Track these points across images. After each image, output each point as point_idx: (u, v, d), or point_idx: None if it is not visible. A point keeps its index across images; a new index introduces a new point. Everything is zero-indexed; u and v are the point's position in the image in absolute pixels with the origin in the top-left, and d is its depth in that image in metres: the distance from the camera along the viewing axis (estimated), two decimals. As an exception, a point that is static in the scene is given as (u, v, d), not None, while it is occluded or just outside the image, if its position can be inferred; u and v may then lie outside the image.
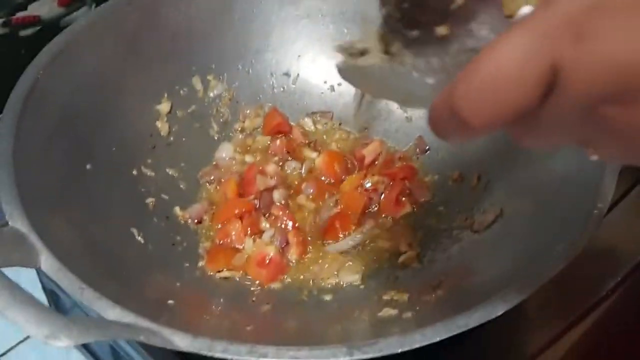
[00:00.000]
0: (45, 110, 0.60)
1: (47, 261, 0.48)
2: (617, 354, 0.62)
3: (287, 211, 0.67)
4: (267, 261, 0.63)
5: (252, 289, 0.62)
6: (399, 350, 0.43)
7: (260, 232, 0.66)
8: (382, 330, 0.53)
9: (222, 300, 0.59)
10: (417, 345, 0.43)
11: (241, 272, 0.64)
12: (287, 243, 0.65)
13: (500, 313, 0.45)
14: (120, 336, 0.44)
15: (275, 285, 0.63)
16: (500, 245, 0.59)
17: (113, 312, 0.45)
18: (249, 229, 0.66)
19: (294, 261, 0.65)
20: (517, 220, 0.60)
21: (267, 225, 0.67)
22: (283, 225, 0.67)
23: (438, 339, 0.44)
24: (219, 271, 0.63)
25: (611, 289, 0.64)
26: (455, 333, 0.44)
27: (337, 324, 0.55)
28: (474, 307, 0.45)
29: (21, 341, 0.93)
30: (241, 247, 0.65)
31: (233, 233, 0.66)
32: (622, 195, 0.71)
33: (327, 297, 0.61)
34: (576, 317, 0.61)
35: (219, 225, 0.67)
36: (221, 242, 0.66)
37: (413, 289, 0.58)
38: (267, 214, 0.68)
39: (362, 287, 0.61)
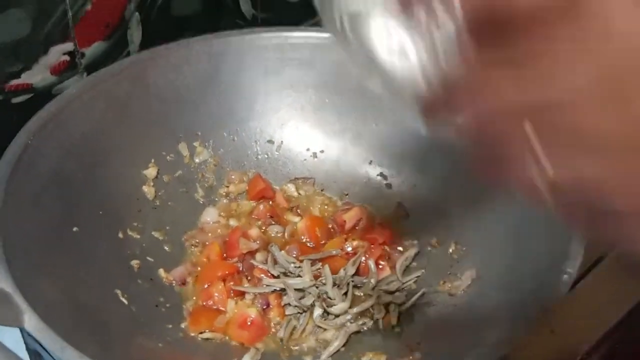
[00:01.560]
0: (34, 174, 0.62)
1: (30, 320, 0.49)
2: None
3: (269, 273, 0.69)
4: (249, 323, 0.64)
5: (233, 349, 0.63)
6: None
7: (242, 294, 0.67)
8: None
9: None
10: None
11: (223, 334, 0.64)
12: (268, 305, 0.66)
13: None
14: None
15: (257, 347, 0.63)
16: (476, 308, 0.60)
17: (95, 374, 0.46)
18: (231, 291, 0.67)
19: (274, 323, 0.65)
20: (492, 284, 0.62)
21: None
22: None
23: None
24: (201, 332, 0.64)
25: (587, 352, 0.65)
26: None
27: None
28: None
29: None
30: (224, 308, 0.66)
31: (216, 294, 0.67)
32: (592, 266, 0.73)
33: (307, 359, 0.62)
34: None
35: (203, 287, 0.68)
36: (204, 303, 0.67)
37: (391, 350, 0.59)
38: (250, 277, 0.69)
39: (342, 349, 0.62)
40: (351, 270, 0.68)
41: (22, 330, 0.75)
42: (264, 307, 0.66)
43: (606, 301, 0.71)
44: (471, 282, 0.63)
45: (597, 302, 0.70)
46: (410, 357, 0.56)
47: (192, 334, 0.64)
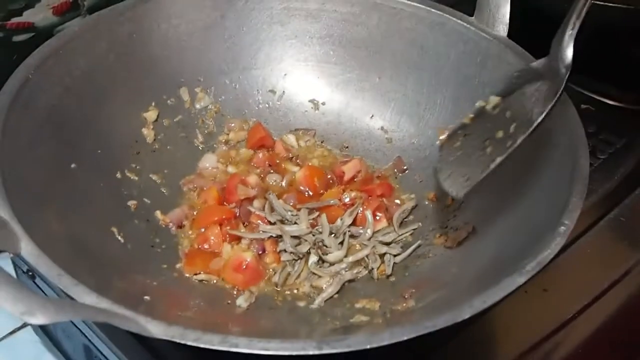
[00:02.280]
0: (33, 108, 0.62)
1: (26, 247, 0.49)
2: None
3: (266, 220, 0.69)
4: (244, 266, 0.64)
5: (228, 292, 0.63)
6: (367, 347, 0.44)
7: (238, 239, 0.67)
8: (353, 332, 0.54)
9: (197, 301, 0.59)
10: (385, 343, 0.45)
11: (218, 276, 0.64)
12: (264, 250, 0.66)
13: (466, 317, 0.46)
14: (95, 318, 0.44)
15: (252, 290, 0.63)
16: (471, 260, 0.61)
17: (89, 298, 0.46)
18: (227, 235, 0.67)
19: (271, 269, 0.66)
20: (487, 237, 0.62)
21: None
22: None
23: (405, 338, 0.45)
24: (196, 274, 0.64)
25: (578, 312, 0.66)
26: (422, 333, 0.45)
27: (310, 326, 0.56)
28: (442, 311, 0.47)
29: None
30: (219, 252, 0.66)
31: (212, 238, 0.67)
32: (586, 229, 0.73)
33: (301, 304, 0.62)
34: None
35: (200, 230, 0.68)
36: (200, 246, 0.67)
37: (385, 298, 0.60)
38: (246, 222, 0.69)
39: (335, 295, 0.63)
40: (348, 220, 0.68)
41: (16, 267, 0.76)
42: (260, 252, 0.66)
43: (600, 263, 0.71)
44: (467, 235, 0.63)
45: (590, 263, 0.71)
46: (404, 304, 0.56)
47: (187, 275, 0.64)
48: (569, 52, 0.60)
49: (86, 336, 0.65)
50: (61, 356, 0.75)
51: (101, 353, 0.64)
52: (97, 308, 0.45)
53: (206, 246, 0.67)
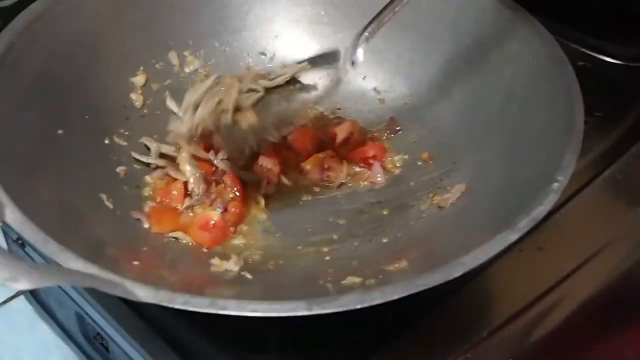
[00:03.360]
0: (19, 73, 0.61)
1: (12, 214, 0.48)
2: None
3: (238, 182, 0.67)
4: (211, 225, 0.63)
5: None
6: (358, 306, 0.44)
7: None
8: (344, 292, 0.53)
9: (186, 265, 0.59)
10: (376, 302, 0.44)
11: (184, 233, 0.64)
12: (226, 210, 0.65)
13: (458, 274, 0.46)
14: (81, 283, 0.44)
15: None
16: (464, 219, 0.60)
17: (76, 264, 0.46)
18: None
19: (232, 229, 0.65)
20: (481, 195, 0.61)
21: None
22: (230, 194, 0.67)
23: (397, 297, 0.44)
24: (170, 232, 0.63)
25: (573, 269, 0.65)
26: (414, 292, 0.45)
27: (301, 289, 0.56)
28: (434, 270, 0.46)
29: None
30: (179, 207, 0.66)
31: (174, 192, 0.66)
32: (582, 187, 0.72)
33: (292, 268, 0.62)
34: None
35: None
36: (161, 201, 0.66)
37: (377, 260, 0.59)
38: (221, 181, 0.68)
39: (327, 258, 0.62)
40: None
41: (6, 235, 0.76)
42: (222, 211, 0.65)
43: (595, 221, 0.71)
44: (461, 195, 0.63)
45: (586, 222, 0.70)
46: (396, 265, 0.55)
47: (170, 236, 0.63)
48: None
49: (78, 304, 0.65)
50: (54, 324, 0.75)
51: (93, 320, 0.63)
52: (83, 273, 0.45)
53: (167, 200, 0.66)
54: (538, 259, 0.65)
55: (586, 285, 0.65)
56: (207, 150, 0.70)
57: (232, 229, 0.65)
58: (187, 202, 0.66)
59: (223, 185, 0.67)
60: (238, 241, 0.64)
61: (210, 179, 0.67)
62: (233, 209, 0.65)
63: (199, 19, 0.77)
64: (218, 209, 0.65)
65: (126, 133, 0.70)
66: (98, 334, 0.63)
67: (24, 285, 0.40)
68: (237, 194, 0.66)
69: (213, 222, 0.63)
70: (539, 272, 0.64)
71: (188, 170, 0.67)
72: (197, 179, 0.66)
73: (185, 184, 0.67)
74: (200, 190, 0.66)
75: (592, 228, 0.70)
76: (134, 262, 0.54)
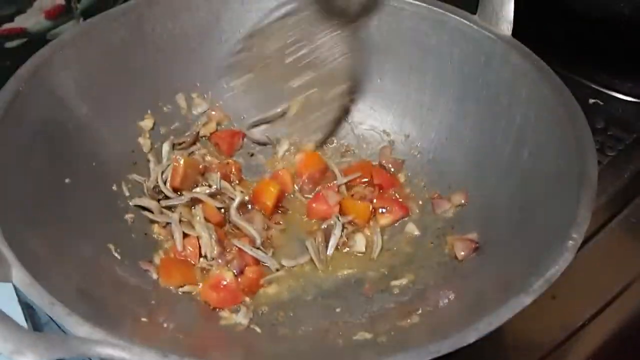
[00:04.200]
0: (25, 121, 0.60)
1: (18, 274, 0.48)
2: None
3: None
4: (222, 286, 0.62)
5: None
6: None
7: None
8: (356, 353, 0.52)
9: (195, 318, 0.58)
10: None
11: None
12: (242, 273, 0.64)
13: (471, 341, 0.45)
14: (88, 354, 0.43)
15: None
16: (477, 276, 0.59)
17: (82, 329, 0.45)
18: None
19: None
20: (495, 251, 0.60)
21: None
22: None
23: (410, 364, 0.44)
24: (180, 286, 0.62)
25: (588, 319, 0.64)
26: (427, 359, 0.44)
27: (312, 343, 0.55)
28: (447, 335, 0.45)
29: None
30: (194, 262, 0.64)
31: (189, 248, 0.65)
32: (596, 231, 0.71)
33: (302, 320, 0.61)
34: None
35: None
36: (174, 255, 0.65)
37: (388, 313, 0.58)
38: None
39: (337, 310, 0.61)
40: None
41: (17, 290, 0.75)
42: (238, 273, 0.64)
43: (609, 268, 0.69)
44: (472, 245, 0.62)
45: (599, 268, 0.69)
46: (408, 320, 0.54)
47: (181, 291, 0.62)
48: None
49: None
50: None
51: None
52: (90, 340, 0.44)
53: (183, 254, 0.65)
54: (553, 308, 0.64)
55: (602, 333, 0.64)
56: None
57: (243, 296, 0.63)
58: (202, 262, 0.64)
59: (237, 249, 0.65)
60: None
61: (225, 242, 0.66)
62: (250, 275, 0.63)
63: (206, 60, 0.77)
64: (233, 271, 0.63)
65: (134, 178, 0.69)
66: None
67: (30, 358, 0.39)
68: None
69: (225, 283, 0.62)
70: (554, 322, 0.63)
71: (204, 237, 0.65)
72: (210, 244, 0.65)
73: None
74: (215, 254, 0.65)
75: (607, 273, 0.69)
76: (142, 319, 0.54)
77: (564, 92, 0.63)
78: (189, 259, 0.64)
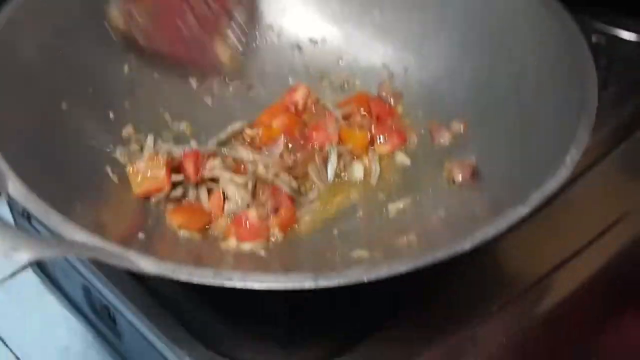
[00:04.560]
0: (20, 45, 0.60)
1: (14, 185, 0.48)
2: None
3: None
4: (244, 222, 0.58)
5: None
6: (365, 279, 0.43)
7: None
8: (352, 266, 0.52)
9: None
10: (383, 276, 0.43)
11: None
12: (276, 212, 0.60)
13: (467, 248, 0.45)
14: (83, 255, 0.43)
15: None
16: (475, 195, 0.59)
17: (79, 236, 0.45)
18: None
19: (275, 237, 0.59)
20: (492, 171, 0.60)
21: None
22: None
23: (404, 270, 0.44)
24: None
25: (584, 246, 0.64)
26: (421, 265, 0.44)
27: (309, 262, 0.55)
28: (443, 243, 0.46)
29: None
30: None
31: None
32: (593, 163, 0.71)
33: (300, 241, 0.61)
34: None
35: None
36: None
37: (385, 234, 0.58)
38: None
39: (334, 232, 0.61)
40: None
41: (12, 208, 0.75)
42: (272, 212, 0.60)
43: (606, 198, 0.70)
44: (471, 169, 0.62)
45: (597, 198, 0.69)
46: (405, 239, 0.54)
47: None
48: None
49: (85, 277, 0.65)
50: (61, 296, 0.75)
51: (100, 293, 0.63)
52: (86, 244, 0.44)
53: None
54: (549, 235, 0.64)
55: (597, 261, 0.64)
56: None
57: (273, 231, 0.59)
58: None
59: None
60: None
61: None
62: (283, 213, 0.60)
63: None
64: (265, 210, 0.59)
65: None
66: (105, 306, 0.63)
67: (24, 256, 0.39)
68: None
69: (248, 220, 0.58)
70: (550, 248, 0.64)
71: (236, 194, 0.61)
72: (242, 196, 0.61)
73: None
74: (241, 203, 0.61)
75: (603, 204, 0.69)
76: (139, 235, 0.54)
77: (568, 23, 0.63)
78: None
